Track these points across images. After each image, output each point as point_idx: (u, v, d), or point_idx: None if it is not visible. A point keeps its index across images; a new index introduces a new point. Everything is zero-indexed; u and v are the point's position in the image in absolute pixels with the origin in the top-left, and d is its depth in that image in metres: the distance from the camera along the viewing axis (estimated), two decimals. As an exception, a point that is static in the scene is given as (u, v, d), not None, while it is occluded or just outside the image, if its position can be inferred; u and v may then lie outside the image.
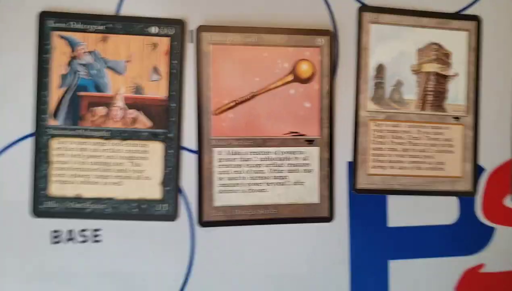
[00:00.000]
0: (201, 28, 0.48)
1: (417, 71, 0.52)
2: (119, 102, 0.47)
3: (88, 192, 0.47)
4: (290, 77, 0.50)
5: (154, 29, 0.47)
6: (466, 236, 0.54)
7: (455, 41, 0.53)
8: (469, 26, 0.53)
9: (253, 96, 0.49)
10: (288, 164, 0.50)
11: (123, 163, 0.48)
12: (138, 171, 0.48)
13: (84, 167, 0.47)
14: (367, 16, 0.51)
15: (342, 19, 0.51)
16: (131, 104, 0.47)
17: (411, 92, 0.52)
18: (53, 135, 0.46)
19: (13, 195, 0.47)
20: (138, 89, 0.48)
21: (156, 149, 0.48)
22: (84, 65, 0.47)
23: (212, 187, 0.49)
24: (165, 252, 0.49)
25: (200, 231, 0.49)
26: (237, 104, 0.49)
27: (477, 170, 0.54)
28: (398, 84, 0.52)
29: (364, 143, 0.52)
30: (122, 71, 0.47)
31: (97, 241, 0.48)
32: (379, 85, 0.52)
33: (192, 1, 0.49)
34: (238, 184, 0.49)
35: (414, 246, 0.53)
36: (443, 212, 0.54)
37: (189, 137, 0.49)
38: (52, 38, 0.46)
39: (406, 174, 0.52)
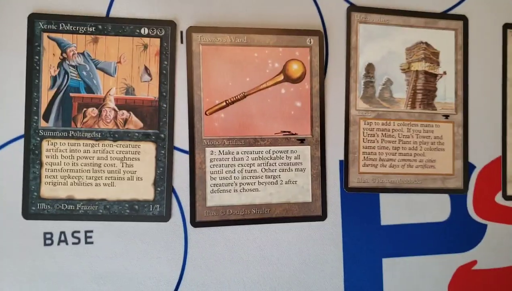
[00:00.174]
0: (191, 29, 0.48)
1: (406, 70, 0.53)
2: (110, 103, 0.47)
3: (80, 193, 0.47)
4: (281, 77, 0.50)
5: (144, 31, 0.48)
6: (458, 233, 0.54)
7: (443, 40, 0.53)
8: (456, 25, 0.54)
9: (244, 96, 0.49)
10: (280, 163, 0.50)
11: (115, 164, 0.47)
12: (130, 172, 0.48)
13: (76, 168, 0.47)
14: (356, 16, 0.52)
15: (331, 19, 0.52)
16: (122, 105, 0.48)
17: (400, 91, 0.53)
18: (44, 137, 0.46)
19: (5, 197, 0.46)
20: (129, 90, 0.48)
21: (148, 150, 0.48)
22: (74, 66, 0.47)
23: (205, 187, 0.49)
24: (158, 252, 0.49)
25: (193, 231, 0.49)
26: (228, 104, 0.49)
27: (468, 167, 0.54)
28: (388, 83, 0.52)
29: (355, 142, 0.52)
30: (113, 72, 0.47)
31: (89, 243, 0.48)
32: (369, 84, 0.52)
33: (182, 3, 0.49)
34: (230, 183, 0.49)
35: (407, 244, 0.53)
36: (435, 209, 0.54)
37: (181, 138, 0.49)
38: (43, 40, 0.46)
39: (397, 172, 0.53)
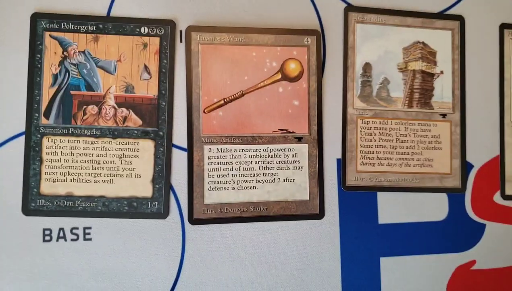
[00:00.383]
0: (190, 28, 0.49)
1: (403, 69, 0.53)
2: (110, 101, 0.48)
3: (79, 190, 0.47)
4: (279, 76, 0.51)
5: (144, 30, 0.49)
6: (456, 232, 0.54)
7: (440, 40, 0.54)
8: (453, 25, 0.54)
9: (242, 94, 0.50)
10: (278, 161, 0.51)
11: (114, 161, 0.48)
12: (129, 169, 0.48)
13: (75, 165, 0.47)
14: (353, 16, 0.52)
15: (329, 19, 0.52)
16: (122, 103, 0.48)
17: (398, 90, 0.53)
18: (45, 134, 0.47)
19: (5, 194, 0.47)
20: (128, 88, 0.48)
21: (146, 147, 0.49)
22: (75, 64, 0.48)
23: (203, 185, 0.49)
24: (156, 249, 0.49)
25: (191, 228, 0.50)
26: (226, 102, 0.50)
27: (466, 167, 0.54)
28: (385, 82, 0.53)
29: (352, 141, 0.52)
30: (113, 70, 0.48)
31: (88, 239, 0.48)
32: (366, 83, 0.53)
33: (181, 2, 0.50)
34: (228, 181, 0.50)
35: (405, 243, 0.53)
36: (433, 208, 0.54)
37: (179, 135, 0.49)
38: (44, 38, 0.47)
39: (394, 170, 0.53)
